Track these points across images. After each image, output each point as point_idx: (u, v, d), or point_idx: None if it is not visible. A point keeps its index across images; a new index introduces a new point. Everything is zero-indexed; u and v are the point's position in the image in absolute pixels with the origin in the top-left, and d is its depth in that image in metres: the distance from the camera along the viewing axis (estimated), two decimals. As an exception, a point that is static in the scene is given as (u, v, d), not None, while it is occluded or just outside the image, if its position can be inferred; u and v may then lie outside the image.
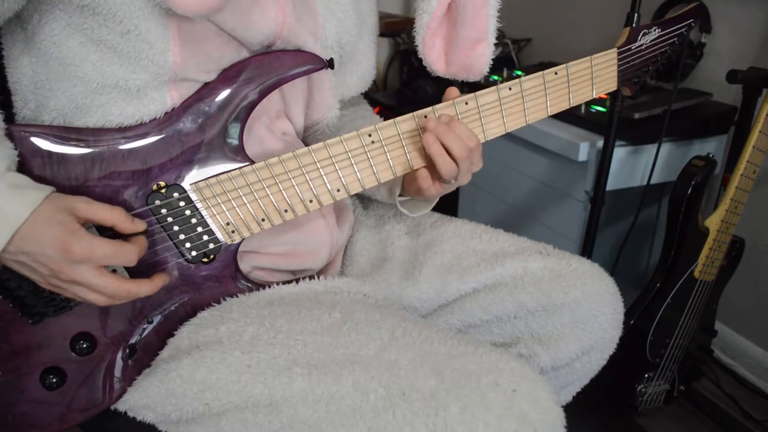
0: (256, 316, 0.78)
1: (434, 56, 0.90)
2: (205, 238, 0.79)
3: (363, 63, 0.97)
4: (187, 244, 0.78)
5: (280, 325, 0.76)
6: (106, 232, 0.73)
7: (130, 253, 0.70)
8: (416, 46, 0.89)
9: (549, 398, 0.68)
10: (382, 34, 2.58)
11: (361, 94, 1.06)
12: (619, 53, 0.88)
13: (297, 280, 0.86)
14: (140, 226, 0.74)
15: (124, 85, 0.73)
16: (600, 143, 1.55)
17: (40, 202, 0.67)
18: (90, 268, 0.68)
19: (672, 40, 0.93)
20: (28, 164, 0.72)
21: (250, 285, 0.84)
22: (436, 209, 1.06)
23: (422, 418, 0.65)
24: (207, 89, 0.76)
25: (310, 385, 0.70)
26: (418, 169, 0.84)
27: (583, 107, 1.72)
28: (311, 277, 0.87)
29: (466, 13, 0.84)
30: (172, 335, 0.81)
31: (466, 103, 0.83)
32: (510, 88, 0.84)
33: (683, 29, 0.93)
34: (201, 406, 0.74)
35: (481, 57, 0.88)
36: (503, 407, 0.65)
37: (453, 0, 0.86)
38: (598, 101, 1.73)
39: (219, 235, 0.79)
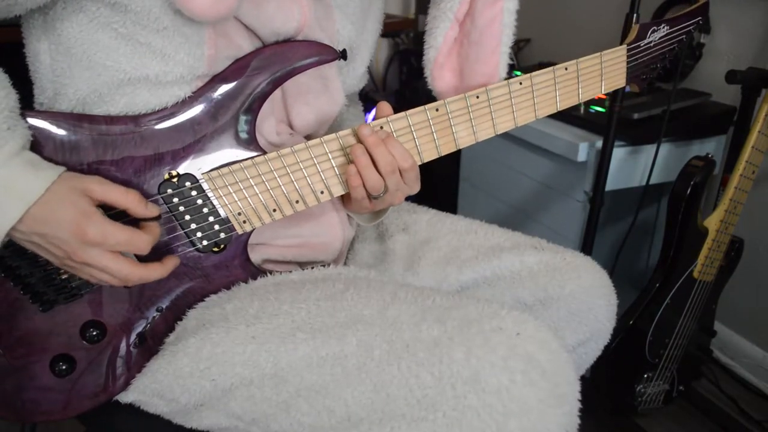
0: (263, 294, 0.78)
1: (443, 87, 0.91)
2: (217, 227, 0.79)
3: (365, 53, 0.97)
4: (199, 234, 0.78)
5: (285, 297, 0.77)
6: (121, 219, 0.72)
7: (143, 242, 0.70)
8: (425, 77, 0.91)
9: (555, 341, 0.68)
10: (381, 35, 2.58)
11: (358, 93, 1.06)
12: (628, 50, 0.89)
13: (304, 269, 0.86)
14: (154, 211, 0.73)
15: (155, 78, 0.73)
16: (599, 143, 1.55)
17: (56, 179, 0.66)
18: (103, 252, 0.68)
19: (680, 38, 0.94)
20: (40, 151, 0.71)
21: (259, 275, 0.84)
22: (433, 207, 1.08)
23: (427, 367, 0.65)
24: (219, 78, 0.76)
25: (314, 349, 0.70)
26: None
27: (582, 108, 1.73)
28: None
29: (479, 51, 0.86)
30: (181, 320, 0.81)
31: (477, 97, 0.83)
32: (521, 83, 0.84)
33: (691, 27, 0.94)
34: (208, 383, 0.74)
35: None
36: (508, 348, 0.64)
37: (462, 36, 0.88)
38: (597, 102, 1.74)
39: (230, 224, 0.79)
